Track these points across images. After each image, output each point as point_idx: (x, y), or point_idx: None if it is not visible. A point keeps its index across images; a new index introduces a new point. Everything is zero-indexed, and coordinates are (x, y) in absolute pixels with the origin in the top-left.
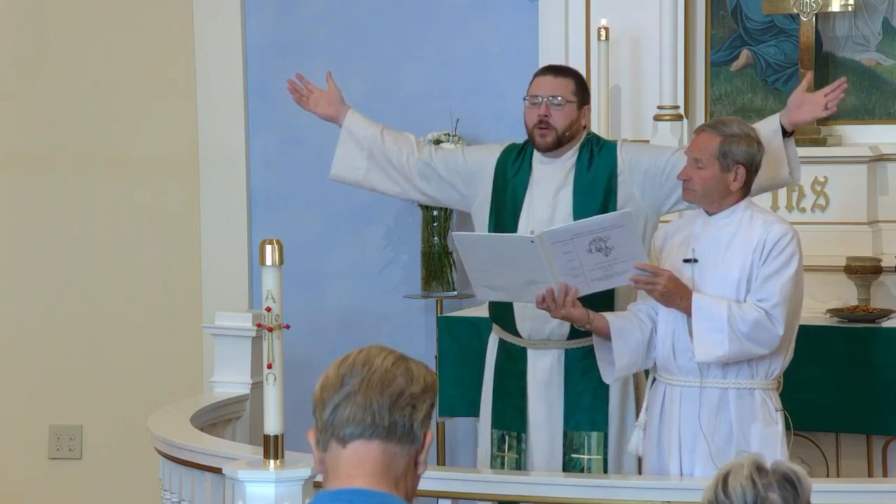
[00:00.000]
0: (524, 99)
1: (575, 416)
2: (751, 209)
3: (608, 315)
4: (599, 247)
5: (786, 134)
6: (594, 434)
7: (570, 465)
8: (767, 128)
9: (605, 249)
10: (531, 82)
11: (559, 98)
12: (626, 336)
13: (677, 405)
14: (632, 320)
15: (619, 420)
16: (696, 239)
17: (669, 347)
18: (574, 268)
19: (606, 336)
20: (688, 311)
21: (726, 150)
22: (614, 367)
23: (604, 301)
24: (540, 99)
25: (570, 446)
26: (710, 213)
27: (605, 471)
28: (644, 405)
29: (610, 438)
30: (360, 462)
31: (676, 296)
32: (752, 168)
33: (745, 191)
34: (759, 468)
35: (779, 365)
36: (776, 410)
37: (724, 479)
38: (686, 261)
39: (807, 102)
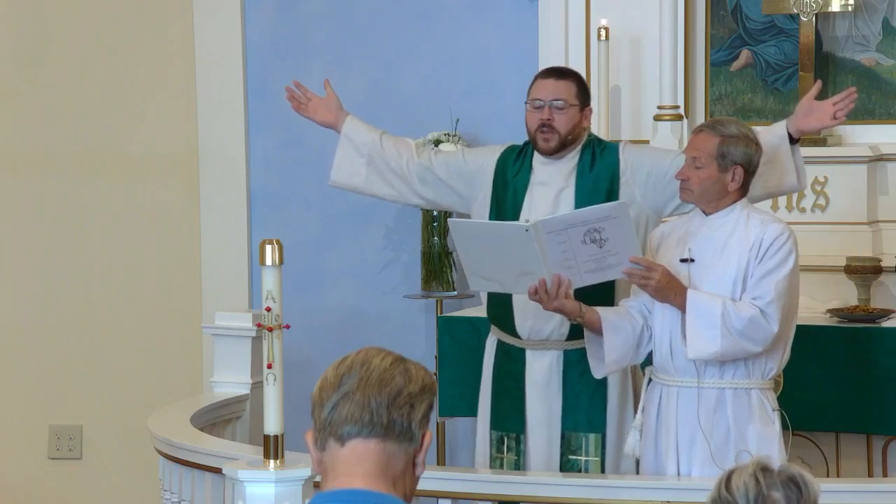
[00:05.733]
0: (525, 102)
1: (573, 416)
2: (747, 209)
3: (600, 309)
4: (594, 238)
5: (792, 141)
6: (592, 435)
7: (567, 467)
8: (774, 134)
9: (599, 241)
10: (532, 85)
11: (562, 101)
12: (618, 330)
13: (674, 406)
14: (623, 315)
15: (617, 421)
16: (692, 238)
17: (667, 347)
18: (567, 259)
19: (597, 330)
20: (682, 307)
21: (725, 150)
22: (604, 361)
23: (603, 295)
24: (542, 102)
25: (568, 447)
26: (706, 213)
27: (603, 472)
28: (640, 406)
29: (608, 440)
30: (358, 461)
31: (670, 291)
32: (749, 169)
33: (743, 191)
34: (765, 468)
35: (775, 365)
36: (773, 410)
37: (728, 477)
38: (683, 260)
39: (815, 111)
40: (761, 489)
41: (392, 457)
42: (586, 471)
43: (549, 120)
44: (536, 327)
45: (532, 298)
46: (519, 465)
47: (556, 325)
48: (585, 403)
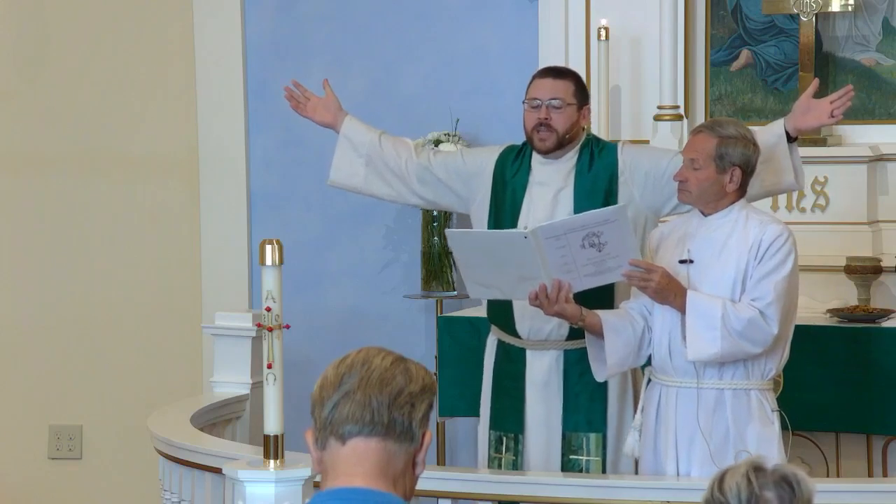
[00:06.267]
0: (523, 102)
1: (573, 417)
2: (746, 209)
3: (601, 312)
4: (592, 242)
5: (790, 139)
6: (592, 435)
7: (568, 467)
8: (771, 133)
9: (598, 245)
10: (530, 84)
11: (559, 100)
12: (619, 333)
13: (673, 406)
14: (624, 317)
15: (617, 421)
16: (691, 239)
17: (666, 348)
18: (566, 263)
19: (598, 333)
20: (682, 309)
21: (723, 151)
22: (606, 364)
23: (603, 298)
24: (539, 102)
25: (569, 447)
26: (705, 214)
27: (604, 472)
28: (639, 406)
29: (608, 440)
30: (359, 460)
31: (670, 293)
32: (747, 170)
33: (741, 192)
34: (757, 468)
35: (774, 365)
36: (772, 411)
37: (721, 478)
38: (682, 261)
39: (813, 109)
40: (753, 489)
41: (393, 456)
42: (587, 471)
43: (546, 119)
44: (535, 327)
45: (532, 304)
46: (517, 465)
47: (556, 324)
48: (585, 403)
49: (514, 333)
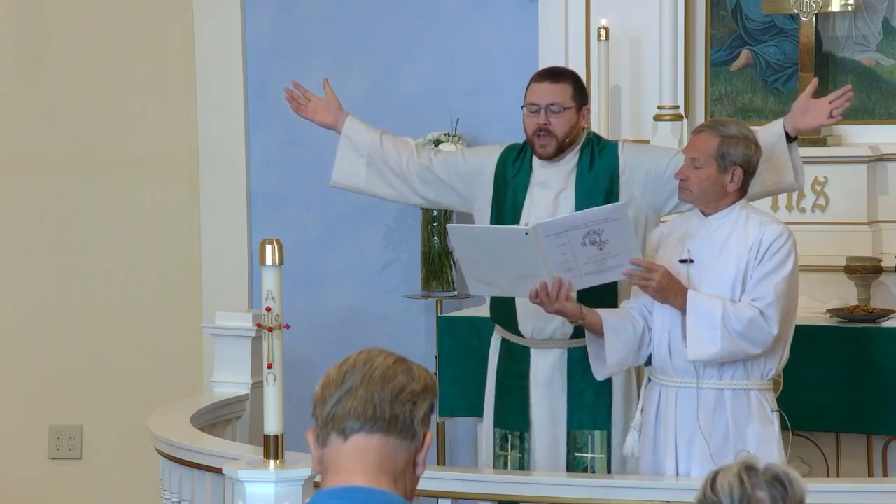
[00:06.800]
0: (522, 107)
1: (578, 414)
2: (746, 210)
3: (601, 311)
4: (593, 240)
5: (790, 139)
6: (597, 433)
7: (573, 464)
8: (771, 133)
9: (599, 243)
10: (528, 88)
11: (557, 105)
12: (619, 333)
13: (673, 406)
14: (624, 317)
15: (622, 418)
16: (691, 239)
17: (665, 348)
18: (567, 261)
19: (599, 332)
20: (682, 308)
21: (724, 151)
22: (606, 363)
23: (606, 296)
24: (538, 106)
25: (574, 445)
26: (706, 214)
27: (609, 470)
28: (639, 406)
29: (613, 437)
30: (360, 456)
31: (671, 292)
32: (748, 170)
33: (742, 192)
34: (750, 468)
35: (774, 366)
36: (772, 411)
37: (713, 478)
38: (682, 261)
39: (812, 109)
40: (746, 489)
41: (394, 451)
42: (592, 468)
43: (545, 124)
44: (539, 326)
45: (533, 301)
46: (523, 463)
47: (559, 323)
48: (590, 401)
49: (518, 332)
